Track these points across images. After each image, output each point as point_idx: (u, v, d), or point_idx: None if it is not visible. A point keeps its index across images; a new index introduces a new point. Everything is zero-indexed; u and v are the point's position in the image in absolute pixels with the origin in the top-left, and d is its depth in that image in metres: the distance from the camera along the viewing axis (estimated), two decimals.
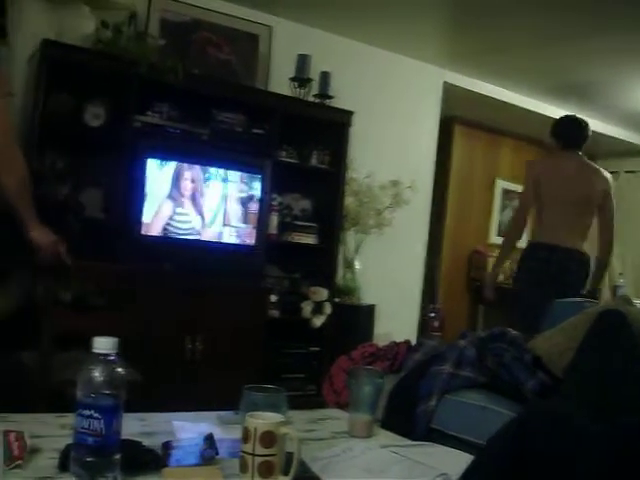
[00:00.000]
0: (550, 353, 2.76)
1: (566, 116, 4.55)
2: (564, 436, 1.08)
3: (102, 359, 1.28)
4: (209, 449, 1.41)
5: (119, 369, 1.29)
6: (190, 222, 4.12)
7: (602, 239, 4.44)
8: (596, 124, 6.64)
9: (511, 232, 4.70)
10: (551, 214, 4.37)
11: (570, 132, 4.43)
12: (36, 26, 4.00)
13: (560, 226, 4.31)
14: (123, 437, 1.33)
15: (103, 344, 1.28)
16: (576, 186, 4.33)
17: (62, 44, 3.90)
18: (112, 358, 1.29)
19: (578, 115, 4.54)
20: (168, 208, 4.04)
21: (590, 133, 4.45)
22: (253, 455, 1.34)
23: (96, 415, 1.25)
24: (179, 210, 4.08)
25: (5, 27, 2.86)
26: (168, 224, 4.04)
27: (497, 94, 6.24)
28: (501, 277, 7.13)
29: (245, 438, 1.36)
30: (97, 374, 1.27)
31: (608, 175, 4.42)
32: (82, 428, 1.26)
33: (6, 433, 1.45)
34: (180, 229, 4.09)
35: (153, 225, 3.99)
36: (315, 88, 4.86)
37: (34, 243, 2.64)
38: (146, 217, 3.96)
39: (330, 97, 4.87)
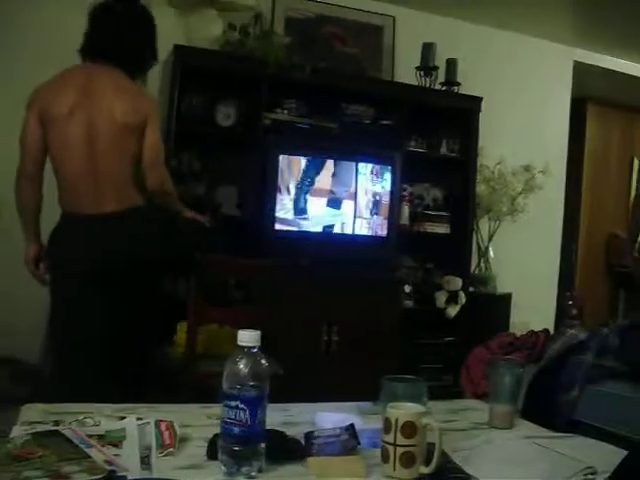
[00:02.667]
0: None
1: None
2: None
3: (246, 352, 1.32)
4: (351, 439, 1.43)
5: (263, 361, 1.33)
6: (323, 215, 4.17)
7: None
8: None
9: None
10: None
11: None
12: (167, 32, 4.13)
13: None
14: (267, 427, 1.36)
15: (247, 337, 1.32)
16: None
17: (193, 48, 4.04)
18: (256, 351, 1.33)
19: None
20: (301, 203, 4.10)
21: None
22: (394, 445, 1.35)
23: (242, 406, 1.30)
24: (312, 204, 4.13)
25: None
26: (301, 218, 4.11)
27: (632, 70, 5.97)
28: None
29: (386, 428, 1.37)
30: (242, 366, 1.31)
31: None
32: (229, 418, 1.31)
33: (158, 422, 1.52)
34: (313, 223, 4.14)
35: (287, 220, 4.07)
36: (441, 76, 4.80)
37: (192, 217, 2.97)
38: (279, 212, 4.04)
39: (457, 84, 4.81)
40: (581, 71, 5.74)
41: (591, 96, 6.70)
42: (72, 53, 2.90)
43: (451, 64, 4.80)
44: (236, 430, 1.31)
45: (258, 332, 1.33)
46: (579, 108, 6.45)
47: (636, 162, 7.18)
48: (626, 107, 7.02)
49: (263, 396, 1.32)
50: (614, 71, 5.92)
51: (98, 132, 2.74)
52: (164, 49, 4.03)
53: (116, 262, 2.70)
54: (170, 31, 4.13)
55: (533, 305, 5.27)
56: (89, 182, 2.74)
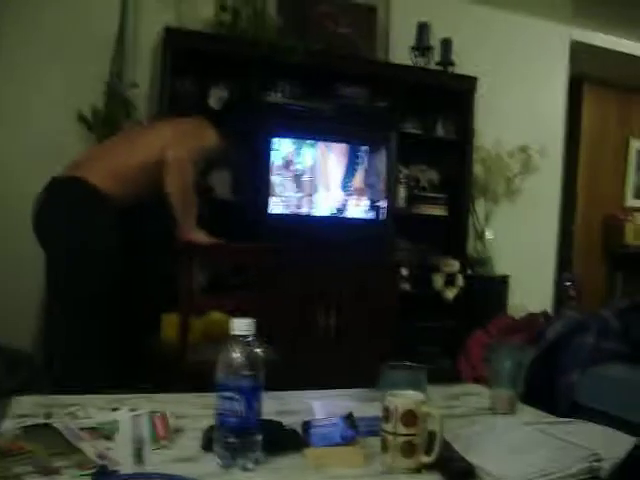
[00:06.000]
0: None
1: None
2: None
3: (241, 340, 1.28)
4: (350, 429, 1.39)
5: (257, 350, 1.29)
6: (319, 198, 4.12)
7: None
8: None
9: None
10: None
11: None
12: (158, 14, 4.08)
13: None
14: (263, 417, 1.33)
15: (241, 326, 1.29)
16: None
17: (184, 30, 3.97)
18: (250, 339, 1.29)
19: None
20: (296, 186, 4.06)
21: None
22: (395, 435, 1.32)
23: (237, 397, 1.26)
24: (308, 187, 4.09)
25: None
26: (297, 201, 4.06)
27: (629, 48, 5.91)
28: (639, 242, 6.84)
29: (386, 417, 1.33)
30: (236, 356, 1.27)
31: None
32: (223, 409, 1.27)
33: (151, 414, 1.49)
34: (309, 206, 4.10)
35: (282, 203, 4.02)
36: (436, 56, 4.74)
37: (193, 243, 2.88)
38: (274, 196, 3.99)
39: (452, 64, 4.75)
40: (578, 50, 5.68)
41: (588, 75, 6.65)
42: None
43: (446, 44, 4.74)
44: (231, 421, 1.27)
45: (252, 320, 1.29)
46: (576, 88, 6.39)
47: (633, 143, 7.14)
48: (623, 87, 6.97)
49: (258, 386, 1.28)
50: (612, 50, 5.85)
51: None
52: (155, 31, 4.01)
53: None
54: (161, 13, 4.09)
55: (531, 287, 5.24)
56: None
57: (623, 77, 6.67)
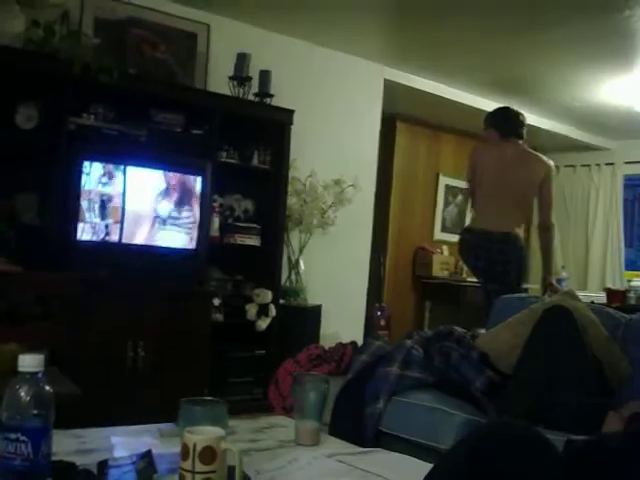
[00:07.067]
0: (497, 350, 2.75)
1: (500, 108, 4.57)
2: (520, 458, 1.06)
3: (29, 378, 1.20)
4: (147, 467, 1.33)
5: (47, 387, 1.21)
6: (130, 226, 4.00)
7: (540, 217, 4.34)
8: (535, 119, 6.71)
9: None
10: (485, 201, 4.37)
11: (506, 122, 4.40)
12: None
13: (494, 213, 4.26)
14: (56, 457, 1.25)
15: (29, 362, 1.20)
16: (513, 173, 4.26)
17: None
18: (39, 376, 1.21)
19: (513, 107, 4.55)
20: (106, 212, 3.92)
21: (526, 121, 4.45)
22: (193, 473, 1.28)
23: (23, 438, 1.17)
24: (118, 214, 3.96)
25: None
26: (106, 228, 3.93)
27: (437, 90, 6.25)
28: (445, 273, 7.21)
29: (184, 455, 1.29)
30: (23, 394, 1.19)
31: (550, 162, 4.33)
32: (8, 452, 1.18)
33: None
34: (119, 233, 3.97)
35: (91, 230, 3.87)
36: (255, 87, 4.78)
37: None
38: (83, 222, 3.84)
39: (270, 96, 4.81)
40: (391, 89, 5.94)
41: (400, 113, 6.96)
42: None
43: (264, 75, 4.80)
44: (17, 465, 1.18)
45: (41, 355, 1.21)
46: (389, 124, 6.68)
47: (441, 179, 7.53)
48: (433, 125, 7.36)
49: (47, 426, 1.20)
50: (422, 91, 6.18)
51: None
52: None
53: None
54: None
55: (343, 317, 5.37)
56: None
57: (433, 116, 7.06)
